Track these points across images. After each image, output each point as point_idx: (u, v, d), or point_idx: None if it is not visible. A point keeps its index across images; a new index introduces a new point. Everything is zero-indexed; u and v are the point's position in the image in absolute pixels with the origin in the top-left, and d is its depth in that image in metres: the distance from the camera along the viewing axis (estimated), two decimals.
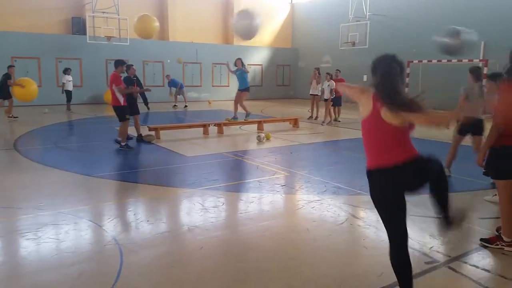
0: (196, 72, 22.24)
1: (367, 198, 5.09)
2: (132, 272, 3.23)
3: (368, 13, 19.88)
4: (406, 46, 18.98)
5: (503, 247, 3.61)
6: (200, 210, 4.77)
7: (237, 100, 12.01)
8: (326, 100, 12.81)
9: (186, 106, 17.39)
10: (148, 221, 4.35)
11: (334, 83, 12.45)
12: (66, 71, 15.43)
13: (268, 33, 25.35)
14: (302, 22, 25.58)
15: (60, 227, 4.14)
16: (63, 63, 17.61)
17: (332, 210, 4.71)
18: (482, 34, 16.11)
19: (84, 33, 18.27)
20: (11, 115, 12.91)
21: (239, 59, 12.16)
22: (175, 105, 17.65)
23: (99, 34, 17.89)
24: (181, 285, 3.08)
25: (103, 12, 17.86)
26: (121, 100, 7.98)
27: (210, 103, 20.65)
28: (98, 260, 3.46)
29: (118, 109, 8.09)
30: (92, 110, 16.06)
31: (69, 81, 15.37)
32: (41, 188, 5.56)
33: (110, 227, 4.20)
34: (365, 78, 15.07)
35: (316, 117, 13.61)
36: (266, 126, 11.25)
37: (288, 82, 25.81)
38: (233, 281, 3.12)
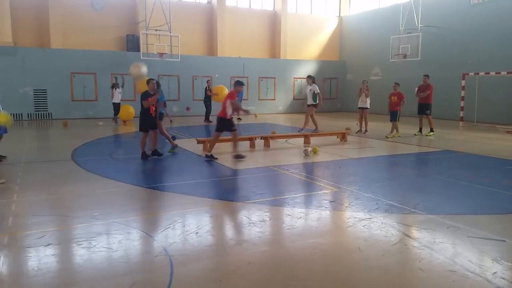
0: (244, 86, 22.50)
1: (422, 217, 4.90)
2: (182, 284, 3.25)
3: (420, 25, 19.29)
4: (461, 58, 18.22)
5: None
6: (247, 224, 4.75)
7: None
8: (309, 105, 13.03)
9: (239, 118, 17.74)
10: (197, 233, 4.38)
11: (317, 88, 12.94)
12: (114, 85, 16.20)
13: (315, 46, 25.30)
14: (350, 35, 25.29)
15: (113, 237, 4.27)
16: (118, 79, 18.47)
17: (385, 229, 4.51)
18: None
19: (138, 49, 19.10)
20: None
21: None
22: (239, 118, 17.81)
23: (152, 50, 18.63)
24: None
25: (156, 30, 18.62)
26: (228, 113, 8.59)
27: (256, 116, 20.81)
28: (150, 271, 3.51)
29: (224, 121, 8.59)
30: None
31: (118, 94, 16.10)
32: (96, 198, 5.79)
33: (161, 238, 4.27)
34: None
35: (366, 131, 13.28)
36: (313, 140, 11.12)
37: (335, 95, 25.50)
38: None
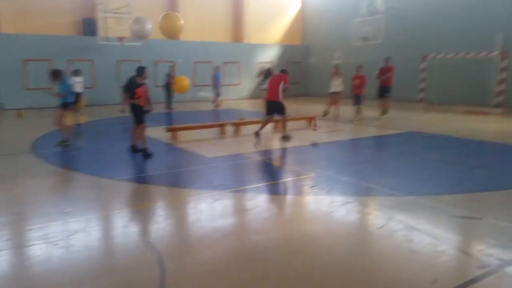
0: (206, 71, 22.12)
1: (402, 199, 4.97)
2: (176, 280, 3.09)
3: (382, 7, 19.53)
4: (422, 40, 18.67)
5: None
6: (233, 213, 4.64)
7: None
8: None
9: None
10: (182, 225, 4.22)
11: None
12: (76, 72, 15.35)
13: (278, 30, 25.16)
14: (313, 19, 25.33)
15: (92, 234, 4.02)
16: (74, 65, 17.55)
17: (369, 212, 4.54)
18: (501, 25, 15.85)
19: (95, 34, 18.21)
20: None
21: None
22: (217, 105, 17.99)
23: (111, 34, 17.80)
24: None
25: (115, 13, 17.76)
26: (281, 97, 8.92)
27: (221, 102, 20.52)
28: (137, 268, 3.32)
29: (277, 104, 8.91)
30: (104, 111, 15.99)
31: (78, 82, 15.28)
32: (66, 193, 5.46)
33: (145, 232, 4.07)
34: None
35: (338, 115, 13.31)
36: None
37: (298, 80, 25.59)
38: None
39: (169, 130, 9.62)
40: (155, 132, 10.94)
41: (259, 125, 9.31)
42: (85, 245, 3.76)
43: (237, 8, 23.37)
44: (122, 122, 13.39)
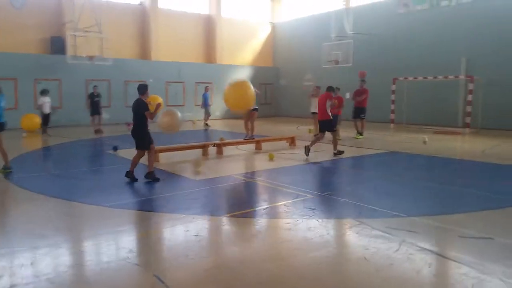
0: (179, 91, 21.83)
1: (407, 220, 4.91)
2: None
3: (350, 32, 20.15)
4: (391, 63, 19.33)
5: None
6: (239, 239, 4.41)
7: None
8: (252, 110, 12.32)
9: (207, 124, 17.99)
10: (187, 255, 3.94)
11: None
12: (44, 92, 14.67)
13: (250, 51, 25.37)
14: (283, 41, 25.75)
15: (90, 268, 3.66)
16: (42, 84, 16.81)
17: (379, 234, 4.44)
18: (465, 50, 16.69)
19: (64, 52, 17.58)
20: None
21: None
22: (206, 124, 18.02)
23: (80, 53, 17.23)
24: None
25: (85, 31, 17.27)
26: (329, 114, 9.67)
27: (194, 123, 20.23)
28: None
29: (327, 122, 9.66)
30: (71, 132, 15.30)
31: (47, 102, 14.60)
32: (50, 220, 5.02)
33: (149, 264, 3.76)
34: (347, 95, 15.03)
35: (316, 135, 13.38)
36: (264, 146, 10.99)
37: (270, 100, 25.76)
38: None
39: (157, 152, 9.22)
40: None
41: (310, 142, 9.88)
42: (82, 281, 3.40)
43: (209, 29, 23.40)
44: (92, 144, 12.85)
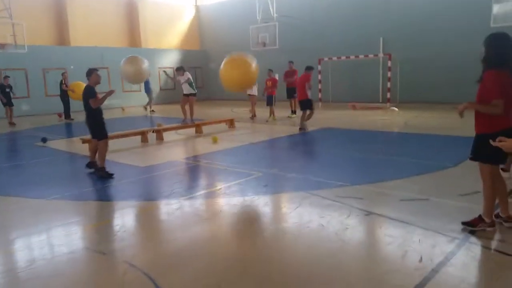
0: (103, 78, 20.71)
1: (353, 188, 5.35)
2: None
3: (275, 15, 20.54)
4: (315, 45, 20.10)
5: (485, 228, 3.83)
6: (200, 220, 4.50)
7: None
8: (188, 95, 12.85)
9: (153, 110, 17.64)
10: (150, 240, 3.96)
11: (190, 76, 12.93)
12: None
13: (176, 35, 24.78)
14: (209, 24, 25.50)
15: (60, 260, 3.56)
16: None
17: (330, 204, 4.80)
18: (380, 30, 17.91)
19: None
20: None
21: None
22: (152, 110, 17.70)
23: None
24: None
25: None
26: (309, 94, 10.46)
27: (123, 109, 19.52)
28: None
29: (308, 101, 10.49)
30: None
31: None
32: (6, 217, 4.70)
33: (114, 251, 3.73)
34: (276, 77, 15.47)
35: (253, 116, 13.75)
36: (204, 129, 11.02)
37: (201, 84, 25.50)
38: None
39: (85, 141, 8.82)
40: (67, 145, 10.09)
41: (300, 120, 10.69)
42: (49, 274, 3.32)
43: (131, 11, 22.42)
44: (20, 137, 11.95)
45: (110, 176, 6.42)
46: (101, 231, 4.33)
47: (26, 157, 8.70)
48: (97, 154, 6.67)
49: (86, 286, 3.16)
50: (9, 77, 14.76)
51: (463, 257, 3.38)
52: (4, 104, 14.38)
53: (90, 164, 6.89)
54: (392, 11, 17.64)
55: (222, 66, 7.71)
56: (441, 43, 16.11)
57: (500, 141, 3.05)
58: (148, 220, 4.69)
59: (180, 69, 13.06)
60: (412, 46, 17.03)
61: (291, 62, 14.49)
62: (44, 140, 10.06)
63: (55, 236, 4.17)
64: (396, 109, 13.77)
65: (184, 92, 13.03)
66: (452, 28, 15.84)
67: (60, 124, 14.77)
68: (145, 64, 8.98)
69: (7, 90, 14.38)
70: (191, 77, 13.07)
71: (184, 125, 11.32)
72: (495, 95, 3.53)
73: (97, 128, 6.59)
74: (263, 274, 3.22)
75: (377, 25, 18.06)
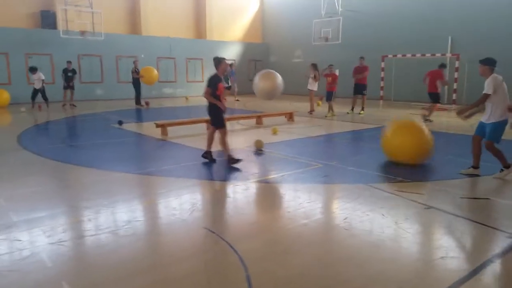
0: (170, 68, 21.91)
1: (412, 184, 5.52)
2: (250, 261, 3.35)
3: (340, 9, 20.50)
4: (379, 41, 19.83)
5: None
6: (265, 201, 4.92)
7: None
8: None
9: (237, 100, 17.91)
10: (228, 213, 4.45)
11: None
12: (32, 69, 14.70)
13: (239, 28, 25.46)
14: (272, 17, 25.89)
15: (147, 223, 4.15)
16: (33, 59, 16.75)
17: (389, 196, 5.02)
18: (450, 29, 17.34)
19: (55, 27, 17.44)
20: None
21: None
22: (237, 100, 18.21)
23: (72, 28, 17.13)
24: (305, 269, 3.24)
25: (76, 5, 17.11)
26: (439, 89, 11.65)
27: (187, 99, 20.48)
28: (211, 252, 3.53)
29: (436, 94, 11.90)
30: (66, 107, 15.48)
31: (36, 80, 14.69)
32: (89, 188, 5.43)
33: (196, 219, 4.26)
34: (337, 72, 15.51)
35: (311, 111, 13.98)
36: (264, 121, 11.46)
37: None
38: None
39: (158, 125, 9.60)
40: (142, 128, 10.95)
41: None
42: (150, 234, 3.89)
43: (199, 4, 23.36)
44: (96, 118, 13.06)
45: (237, 161, 6.49)
46: (180, 202, 4.89)
47: (106, 137, 9.61)
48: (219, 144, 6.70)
49: (172, 245, 3.68)
50: (71, 62, 15.95)
51: None
52: (65, 87, 15.65)
53: (205, 154, 6.82)
54: (463, 9, 17.00)
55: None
56: None
57: None
58: (219, 197, 5.19)
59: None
60: (482, 46, 16.35)
61: (362, 58, 14.41)
62: (120, 122, 11.02)
63: (140, 204, 4.78)
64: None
65: None
66: None
67: (132, 109, 15.85)
68: (279, 79, 8.60)
69: (69, 74, 15.60)
70: (229, 70, 12.28)
71: (249, 115, 11.76)
72: None
73: (216, 116, 6.57)
74: (325, 245, 3.58)
75: (446, 23, 17.51)
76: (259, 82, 8.62)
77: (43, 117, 12.89)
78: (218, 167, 6.65)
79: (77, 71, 17.08)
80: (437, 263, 3.33)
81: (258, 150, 7.84)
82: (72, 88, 15.72)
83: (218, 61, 6.47)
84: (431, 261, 3.40)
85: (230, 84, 17.80)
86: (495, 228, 3.99)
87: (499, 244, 3.67)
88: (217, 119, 6.60)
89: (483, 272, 3.15)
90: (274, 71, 9.03)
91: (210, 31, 23.59)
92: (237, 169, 6.37)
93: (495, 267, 3.27)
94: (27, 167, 6.53)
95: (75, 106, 15.60)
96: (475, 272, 3.14)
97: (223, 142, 6.58)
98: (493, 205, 4.77)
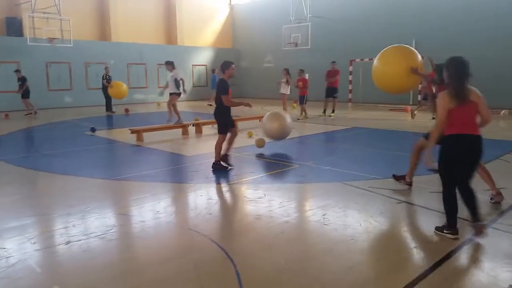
0: (141, 74, 21.75)
1: (383, 181, 5.81)
2: (239, 253, 3.50)
3: (308, 15, 20.98)
4: (347, 45, 20.43)
5: None
6: (249, 201, 5.08)
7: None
8: (171, 94, 12.00)
9: (210, 104, 17.50)
10: (210, 214, 4.57)
11: (179, 74, 12.04)
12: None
13: (210, 33, 25.58)
14: (242, 23, 26.17)
15: (132, 227, 4.21)
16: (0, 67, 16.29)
17: (363, 192, 5.29)
18: (413, 32, 18.09)
19: (21, 34, 17.02)
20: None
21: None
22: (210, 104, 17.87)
23: (40, 35, 16.78)
24: (293, 263, 3.42)
25: (44, 13, 16.76)
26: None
27: (159, 104, 20.35)
28: (199, 252, 3.65)
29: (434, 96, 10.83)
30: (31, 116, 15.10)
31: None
32: (69, 194, 5.42)
33: (180, 222, 4.35)
34: (307, 76, 15.90)
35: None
36: (240, 124, 11.61)
37: (232, 82, 26.18)
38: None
39: (133, 131, 9.59)
40: (115, 135, 10.87)
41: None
42: (138, 236, 3.96)
43: (169, 10, 23.34)
44: (66, 126, 12.85)
45: (225, 168, 6.48)
46: (164, 205, 4.96)
47: (80, 144, 9.50)
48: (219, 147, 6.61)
49: (160, 246, 3.78)
50: (19, 71, 15.18)
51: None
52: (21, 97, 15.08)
53: (224, 158, 6.73)
54: (427, 13, 17.78)
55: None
56: (476, 47, 16.18)
57: None
58: (201, 199, 5.30)
59: (169, 64, 12.01)
60: (444, 49, 17.15)
61: (333, 62, 14.78)
62: (93, 129, 10.92)
63: (124, 208, 4.83)
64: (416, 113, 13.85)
65: (170, 91, 12.12)
66: (485, 31, 15.91)
67: (102, 115, 15.66)
68: (288, 119, 8.59)
69: (19, 82, 14.92)
70: (178, 77, 12.00)
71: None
72: None
73: (222, 122, 6.57)
74: (307, 240, 3.77)
75: (410, 26, 18.25)
76: (268, 122, 8.43)
77: (13, 126, 12.56)
78: (199, 170, 6.75)
79: (46, 77, 16.74)
80: (411, 252, 3.58)
81: (259, 148, 8.11)
82: (22, 97, 15.09)
83: (227, 65, 6.41)
84: (406, 250, 3.65)
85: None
86: (464, 219, 4.30)
87: (467, 231, 3.97)
88: (220, 126, 6.63)
89: (456, 256, 3.42)
90: (283, 113, 8.82)
91: (181, 36, 23.61)
92: (216, 172, 6.49)
93: (464, 251, 3.55)
94: (1, 176, 6.43)
95: (31, 114, 14.93)
96: (448, 256, 3.41)
97: (218, 147, 6.58)
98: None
